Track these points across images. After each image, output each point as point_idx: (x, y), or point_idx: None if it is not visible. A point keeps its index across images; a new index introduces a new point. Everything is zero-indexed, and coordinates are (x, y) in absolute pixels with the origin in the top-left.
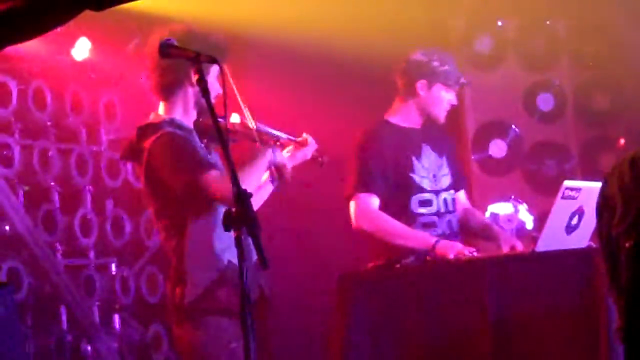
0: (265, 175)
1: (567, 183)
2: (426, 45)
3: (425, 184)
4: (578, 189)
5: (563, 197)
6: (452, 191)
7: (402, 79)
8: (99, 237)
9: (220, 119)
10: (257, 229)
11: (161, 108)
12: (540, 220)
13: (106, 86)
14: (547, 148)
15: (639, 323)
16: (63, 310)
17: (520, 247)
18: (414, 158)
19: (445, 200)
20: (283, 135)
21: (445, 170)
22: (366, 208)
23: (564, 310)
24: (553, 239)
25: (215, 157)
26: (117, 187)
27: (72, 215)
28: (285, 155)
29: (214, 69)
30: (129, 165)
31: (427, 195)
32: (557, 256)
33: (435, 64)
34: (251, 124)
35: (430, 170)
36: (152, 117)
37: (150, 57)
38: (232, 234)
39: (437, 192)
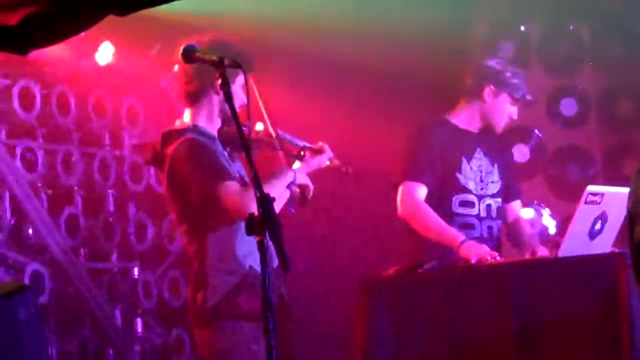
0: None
1: (590, 188)
2: (449, 48)
3: (471, 185)
4: (601, 194)
5: (586, 202)
6: (499, 199)
7: (472, 80)
8: (122, 241)
9: (244, 127)
10: (279, 233)
11: (186, 115)
12: (563, 225)
13: (129, 91)
14: (570, 153)
15: None
16: (86, 314)
17: (542, 251)
18: (464, 158)
19: (489, 206)
20: (301, 143)
21: (496, 177)
22: (411, 195)
23: (586, 315)
24: (576, 244)
25: (238, 165)
26: (139, 191)
27: (95, 219)
28: (300, 164)
29: (239, 79)
30: (152, 170)
31: (470, 197)
32: (580, 261)
33: (508, 74)
34: (273, 132)
35: (478, 174)
36: (177, 124)
37: (177, 64)
38: (254, 238)
39: (481, 197)
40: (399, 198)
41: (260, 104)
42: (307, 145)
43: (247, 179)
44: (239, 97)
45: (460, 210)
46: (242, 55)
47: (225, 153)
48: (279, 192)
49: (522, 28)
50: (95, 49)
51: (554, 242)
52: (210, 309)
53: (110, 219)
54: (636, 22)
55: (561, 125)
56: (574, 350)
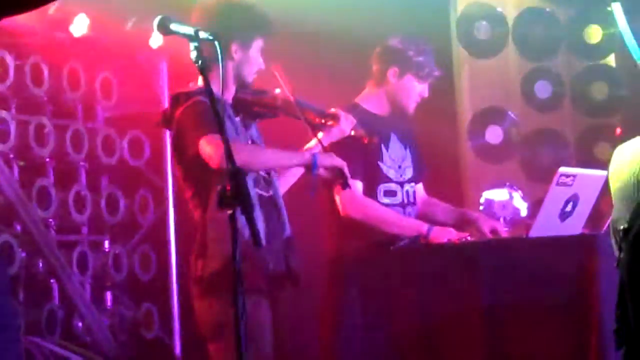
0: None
1: (563, 170)
2: (426, 31)
3: (392, 174)
4: (573, 176)
5: (558, 184)
6: (413, 183)
7: (377, 63)
8: (93, 214)
9: (259, 93)
10: (251, 207)
11: (200, 79)
12: (535, 208)
13: (104, 63)
14: (543, 135)
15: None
16: (55, 285)
17: (501, 228)
18: (382, 146)
19: (407, 192)
20: (322, 111)
21: (409, 162)
22: (352, 195)
23: (556, 295)
24: (547, 225)
25: (253, 131)
26: (112, 164)
27: (66, 192)
28: (322, 133)
29: (257, 44)
30: (125, 143)
31: (392, 186)
32: (551, 242)
33: (410, 53)
34: (292, 98)
35: (396, 160)
36: (190, 86)
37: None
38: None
39: (401, 184)
40: (340, 198)
41: (276, 70)
42: (329, 111)
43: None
44: (257, 63)
45: (385, 200)
46: (262, 19)
47: (238, 119)
48: (281, 163)
49: (499, 10)
50: (70, 20)
51: (524, 225)
52: (208, 277)
53: (82, 192)
54: (611, 5)
55: (535, 108)
56: (543, 330)
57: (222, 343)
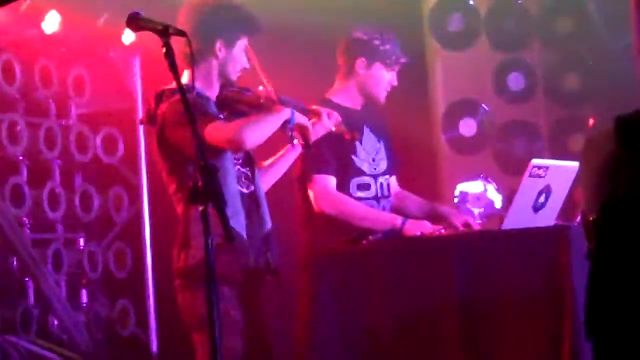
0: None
1: (535, 161)
2: (398, 23)
3: (365, 167)
4: (546, 168)
5: (530, 176)
6: (387, 176)
7: (343, 57)
8: (68, 211)
9: (248, 92)
10: (223, 203)
11: (184, 76)
12: (509, 200)
13: (76, 60)
14: (517, 127)
15: (600, 291)
16: (30, 284)
17: (473, 222)
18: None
19: (381, 184)
20: (304, 108)
21: (382, 154)
22: (325, 190)
23: (530, 287)
24: (520, 217)
25: None
26: (86, 161)
27: (40, 189)
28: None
29: (241, 43)
30: (98, 140)
31: (366, 179)
32: (524, 234)
33: (376, 42)
34: (274, 96)
35: (370, 153)
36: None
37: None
38: (238, 200)
39: (375, 177)
40: (313, 194)
41: (258, 67)
42: (311, 108)
43: None
44: (241, 61)
45: (359, 193)
46: (247, 18)
47: (221, 116)
48: (268, 127)
49: (471, 2)
50: (42, 17)
51: (498, 217)
52: (191, 269)
53: (56, 190)
54: None
55: (508, 100)
56: (517, 323)
57: (207, 333)
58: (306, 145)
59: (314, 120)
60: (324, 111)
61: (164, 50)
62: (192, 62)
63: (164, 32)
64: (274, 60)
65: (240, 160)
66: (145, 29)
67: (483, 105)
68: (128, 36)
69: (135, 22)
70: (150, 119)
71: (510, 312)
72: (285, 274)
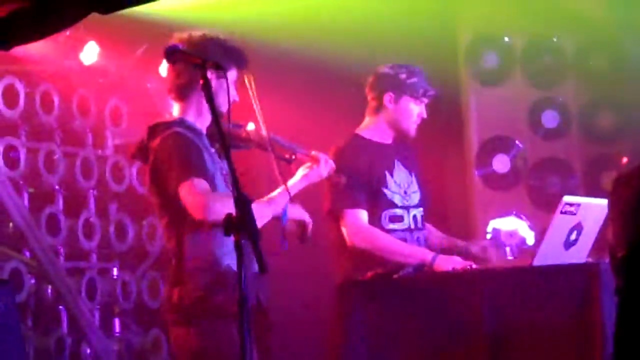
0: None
1: (567, 198)
2: (433, 60)
3: (397, 199)
4: (577, 205)
5: (562, 212)
6: (421, 209)
7: (371, 92)
8: (102, 240)
9: (237, 126)
10: (256, 235)
11: (175, 109)
12: (541, 236)
13: (113, 91)
14: (550, 165)
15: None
16: (64, 312)
17: (492, 251)
18: (387, 173)
19: (415, 217)
20: (298, 149)
21: (415, 187)
22: (357, 224)
23: (560, 324)
24: (551, 254)
25: (224, 163)
26: (121, 191)
27: (75, 219)
28: (301, 174)
29: (232, 75)
30: (134, 170)
31: (398, 211)
32: (554, 270)
33: (403, 76)
34: (265, 133)
35: (401, 186)
36: (166, 118)
37: (162, 64)
38: (232, 238)
39: (407, 208)
40: (346, 229)
41: (255, 103)
42: (302, 151)
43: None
44: (231, 95)
45: (391, 225)
46: (236, 52)
47: (213, 150)
48: (266, 214)
49: (506, 39)
50: (80, 48)
51: (530, 253)
52: (186, 307)
53: (91, 219)
54: (619, 35)
55: (542, 137)
56: (546, 357)
57: None
58: (302, 240)
59: (309, 165)
60: (322, 157)
61: (201, 82)
62: (210, 94)
63: (202, 65)
64: (309, 98)
65: None
66: (182, 61)
67: (517, 142)
68: (165, 67)
69: (173, 54)
70: (140, 151)
71: (540, 349)
72: (321, 307)
